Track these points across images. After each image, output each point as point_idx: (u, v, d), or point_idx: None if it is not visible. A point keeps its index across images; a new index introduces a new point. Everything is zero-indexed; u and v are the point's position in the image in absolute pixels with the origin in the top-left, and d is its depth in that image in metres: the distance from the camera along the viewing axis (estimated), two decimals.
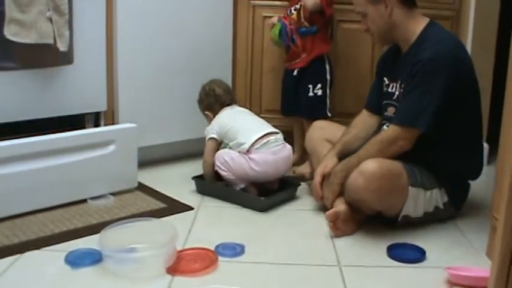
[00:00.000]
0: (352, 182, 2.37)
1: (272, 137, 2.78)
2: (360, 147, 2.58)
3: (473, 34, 3.43)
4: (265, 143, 2.74)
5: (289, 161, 2.85)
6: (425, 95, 2.38)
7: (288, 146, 2.85)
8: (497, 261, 1.27)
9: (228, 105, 3.00)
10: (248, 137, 2.75)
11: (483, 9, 3.42)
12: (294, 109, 3.32)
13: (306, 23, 3.16)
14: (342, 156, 2.63)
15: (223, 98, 3.01)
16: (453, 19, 3.44)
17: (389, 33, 2.55)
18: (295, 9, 3.18)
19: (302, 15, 3.15)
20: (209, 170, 2.89)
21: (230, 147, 2.80)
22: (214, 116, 2.97)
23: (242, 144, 2.74)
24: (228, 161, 2.76)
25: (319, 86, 3.24)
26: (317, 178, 2.62)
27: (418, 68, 2.40)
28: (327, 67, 3.26)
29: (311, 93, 3.23)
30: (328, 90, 3.26)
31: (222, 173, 2.79)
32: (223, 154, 2.80)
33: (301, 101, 3.26)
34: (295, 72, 3.25)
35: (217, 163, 2.80)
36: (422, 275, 2.08)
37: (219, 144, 2.89)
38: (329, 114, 3.26)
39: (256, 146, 2.73)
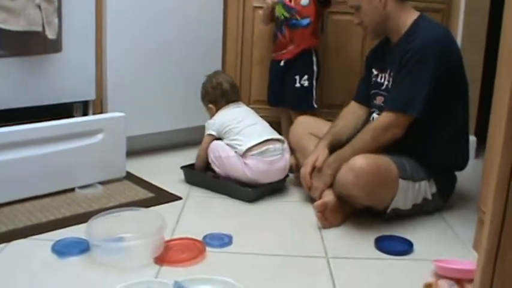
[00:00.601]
0: (341, 177, 2.38)
1: (271, 146, 2.75)
2: (349, 138, 2.60)
3: (463, 26, 3.46)
4: (262, 151, 2.71)
5: (283, 172, 2.82)
6: (417, 81, 2.41)
7: (286, 156, 2.81)
8: (483, 254, 1.28)
9: (234, 101, 2.97)
10: (245, 141, 2.72)
11: (474, 1, 3.45)
12: (280, 100, 3.32)
13: (297, 15, 3.15)
14: (332, 147, 2.63)
15: (230, 93, 2.96)
16: (444, 12, 3.47)
17: (383, 25, 2.57)
18: None
19: (295, 6, 3.16)
20: (202, 165, 2.90)
21: (227, 144, 2.78)
22: (216, 111, 2.94)
23: (239, 146, 2.72)
24: (222, 158, 2.75)
25: (305, 77, 3.25)
26: (307, 168, 2.61)
27: (408, 56, 2.43)
28: (314, 59, 3.27)
29: (298, 84, 3.24)
30: (314, 82, 3.27)
31: (214, 167, 2.79)
32: (220, 149, 2.78)
33: (287, 91, 3.27)
34: (282, 63, 3.26)
35: (212, 156, 2.80)
36: (409, 267, 2.09)
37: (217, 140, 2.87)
38: (315, 106, 3.28)
39: (252, 152, 2.70)
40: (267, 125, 2.89)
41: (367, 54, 2.88)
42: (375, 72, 2.70)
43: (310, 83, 3.25)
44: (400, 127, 2.43)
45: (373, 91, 2.68)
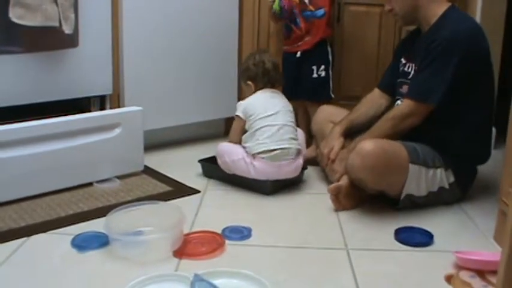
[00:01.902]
0: (349, 161, 2.42)
1: (284, 150, 2.69)
2: (366, 125, 2.64)
3: (481, 16, 3.40)
4: (272, 156, 2.66)
5: (292, 174, 2.76)
6: (439, 72, 2.42)
7: (298, 161, 2.76)
8: (508, 245, 1.26)
9: (274, 83, 2.89)
10: (258, 144, 2.68)
11: None
12: (296, 92, 3.27)
13: (311, 7, 3.13)
14: (348, 134, 2.70)
15: (271, 73, 2.86)
16: (460, 1, 3.41)
17: (413, 14, 2.59)
18: None
19: None
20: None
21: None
22: (255, 89, 2.86)
23: (249, 147, 2.70)
24: (228, 163, 2.73)
25: (322, 67, 3.24)
26: (323, 162, 2.71)
27: (434, 46, 2.44)
28: (329, 49, 3.27)
29: (315, 75, 3.23)
30: (330, 72, 3.27)
31: (224, 170, 2.78)
32: (225, 154, 2.75)
33: (304, 83, 3.26)
34: (298, 54, 3.23)
35: (219, 161, 2.78)
36: (430, 259, 2.08)
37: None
38: (332, 96, 3.27)
39: (262, 155, 2.66)
40: (291, 129, 2.77)
41: (398, 44, 2.91)
42: (403, 61, 2.71)
43: (327, 73, 3.25)
44: (419, 116, 2.46)
45: (399, 80, 2.69)
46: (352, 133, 2.74)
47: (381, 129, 2.51)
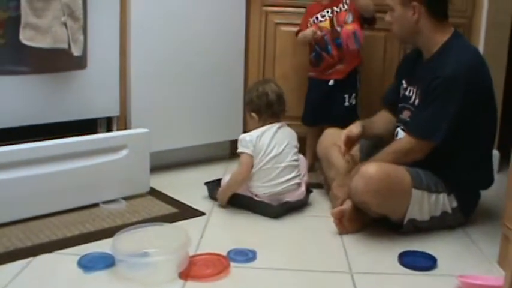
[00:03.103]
0: (353, 185, 2.42)
1: (286, 189, 2.70)
2: (381, 133, 2.75)
3: (485, 42, 3.42)
4: (275, 193, 2.68)
5: (296, 199, 2.76)
6: (441, 111, 2.41)
7: (300, 190, 2.77)
8: (511, 269, 1.27)
9: (278, 114, 2.80)
10: (260, 187, 2.68)
11: (495, 16, 3.41)
12: (322, 118, 3.25)
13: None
14: (365, 133, 2.74)
15: (275, 106, 2.76)
16: (465, 27, 3.42)
17: (412, 37, 2.57)
18: (322, 16, 3.15)
19: (335, 22, 3.12)
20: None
21: None
22: (259, 122, 2.78)
23: (253, 184, 2.70)
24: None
25: (353, 95, 3.23)
26: (342, 138, 2.71)
27: (435, 84, 2.41)
28: (357, 76, 3.25)
29: (347, 103, 3.21)
30: (358, 99, 3.26)
31: None
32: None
33: (335, 111, 3.22)
34: (331, 82, 3.19)
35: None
36: (434, 283, 2.08)
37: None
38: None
39: (264, 191, 2.69)
40: (293, 168, 2.74)
41: (400, 62, 2.90)
42: (404, 84, 2.70)
43: (356, 101, 3.24)
44: (421, 152, 2.46)
45: (401, 104, 2.69)
46: (367, 135, 2.78)
47: (383, 161, 2.47)
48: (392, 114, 2.80)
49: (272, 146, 2.69)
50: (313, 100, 3.30)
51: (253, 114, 2.80)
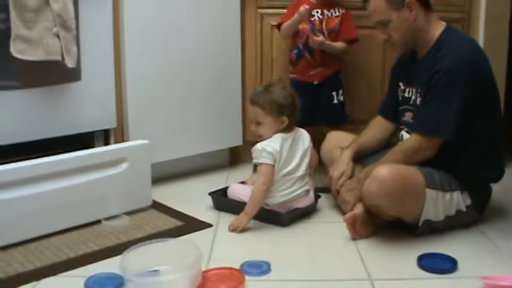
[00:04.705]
0: (366, 188, 2.37)
1: (296, 196, 2.65)
2: (375, 149, 2.71)
3: (484, 36, 3.41)
4: (285, 201, 2.62)
5: (306, 205, 2.71)
6: (446, 104, 2.38)
7: (309, 196, 2.72)
8: None
9: (291, 126, 2.63)
10: (272, 198, 2.60)
11: (493, 10, 3.39)
12: (313, 119, 3.24)
13: (328, 41, 3.16)
14: (357, 157, 2.72)
15: (296, 112, 2.61)
16: (464, 21, 3.43)
17: (413, 39, 2.54)
18: (312, 16, 3.17)
19: (324, 25, 3.18)
20: (264, 200, 2.60)
21: None
22: (286, 127, 2.60)
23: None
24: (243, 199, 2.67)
25: (341, 92, 3.28)
26: (336, 187, 2.68)
27: (437, 77, 2.39)
28: (341, 75, 3.32)
29: (335, 101, 3.27)
30: (345, 96, 3.32)
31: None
32: (240, 195, 2.72)
33: (323, 109, 3.26)
34: (315, 82, 3.24)
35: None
36: (456, 286, 2.03)
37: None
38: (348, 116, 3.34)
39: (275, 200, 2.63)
40: (305, 177, 2.67)
41: (393, 67, 2.85)
42: (402, 86, 2.68)
43: (344, 97, 3.30)
44: (431, 150, 2.43)
45: (401, 107, 2.67)
46: (361, 157, 2.76)
47: (391, 162, 2.43)
48: (390, 122, 2.79)
49: (290, 159, 2.61)
50: (301, 102, 3.25)
51: (284, 118, 2.59)
